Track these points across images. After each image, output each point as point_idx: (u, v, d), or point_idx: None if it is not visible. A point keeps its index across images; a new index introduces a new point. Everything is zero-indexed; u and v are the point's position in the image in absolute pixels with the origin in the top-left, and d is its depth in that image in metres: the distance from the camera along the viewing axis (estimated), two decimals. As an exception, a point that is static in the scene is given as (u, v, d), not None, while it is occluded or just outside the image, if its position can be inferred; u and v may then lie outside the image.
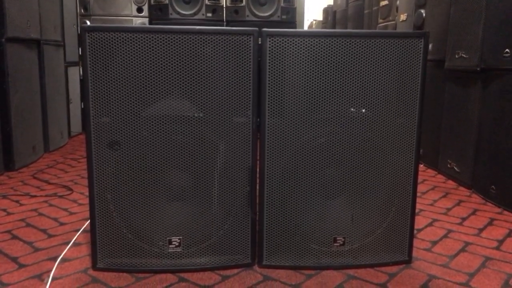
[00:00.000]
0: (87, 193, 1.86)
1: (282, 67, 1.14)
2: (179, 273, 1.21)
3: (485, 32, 1.86)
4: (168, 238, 1.20)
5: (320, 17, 6.21)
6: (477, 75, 1.96)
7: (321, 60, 1.14)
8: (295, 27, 3.48)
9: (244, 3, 3.34)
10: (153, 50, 1.10)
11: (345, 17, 4.73)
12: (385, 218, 1.25)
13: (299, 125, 1.17)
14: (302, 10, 4.07)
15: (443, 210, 1.76)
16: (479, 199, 1.91)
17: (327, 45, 1.13)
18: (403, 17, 2.94)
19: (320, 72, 1.15)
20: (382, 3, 3.49)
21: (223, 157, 1.17)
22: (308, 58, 1.14)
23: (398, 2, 3.10)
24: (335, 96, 1.16)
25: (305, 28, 6.46)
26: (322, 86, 1.15)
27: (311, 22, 6.75)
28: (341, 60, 1.15)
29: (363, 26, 4.18)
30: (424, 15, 2.54)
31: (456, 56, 2.08)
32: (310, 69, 1.14)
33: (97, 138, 1.14)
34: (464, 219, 1.67)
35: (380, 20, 3.56)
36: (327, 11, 5.62)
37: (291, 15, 3.43)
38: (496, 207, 1.80)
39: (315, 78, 1.15)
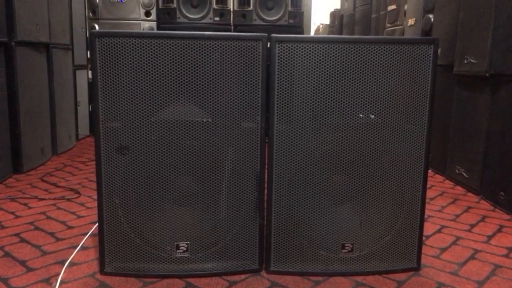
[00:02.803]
0: (94, 197, 1.88)
1: (291, 73, 1.14)
2: (187, 278, 1.20)
3: (494, 37, 1.85)
4: (175, 243, 1.20)
5: (327, 21, 6.21)
6: (486, 81, 1.95)
7: (330, 66, 1.14)
8: (302, 31, 3.48)
9: (251, 7, 3.35)
10: (162, 55, 1.10)
11: (352, 21, 4.72)
12: (394, 224, 1.24)
13: (308, 130, 1.17)
14: (309, 14, 4.07)
15: (451, 217, 1.75)
16: (488, 205, 1.90)
17: (336, 51, 1.13)
18: (411, 21, 2.93)
19: (329, 78, 1.15)
20: (390, 8, 3.48)
21: (231, 162, 1.17)
22: (317, 64, 1.14)
23: (406, 7, 3.09)
24: (344, 102, 1.16)
25: (312, 32, 6.46)
26: (331, 92, 1.15)
27: (318, 26, 6.75)
28: (350, 66, 1.14)
29: (370, 30, 4.18)
30: (432, 20, 2.53)
31: (465, 61, 2.07)
32: (319, 75, 1.14)
33: (106, 142, 1.14)
34: (473, 226, 1.66)
35: (388, 25, 3.55)
36: (334, 15, 5.62)
37: (298, 19, 3.43)
38: (505, 214, 1.78)
39: (324, 84, 1.15)
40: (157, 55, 1.11)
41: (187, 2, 3.31)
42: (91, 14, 3.30)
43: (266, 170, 1.19)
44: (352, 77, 1.15)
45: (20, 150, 2.23)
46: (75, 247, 1.39)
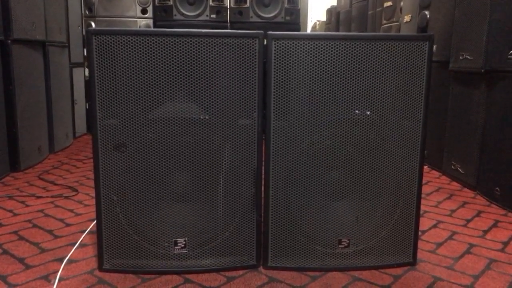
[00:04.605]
0: (92, 194, 1.88)
1: (287, 70, 1.15)
2: (185, 274, 1.21)
3: (490, 34, 1.86)
4: (173, 239, 1.21)
5: (323, 18, 6.21)
6: (482, 77, 1.96)
7: (326, 63, 1.15)
8: (299, 28, 3.49)
9: (248, 4, 3.35)
10: (159, 53, 1.11)
11: (348, 18, 4.73)
12: (390, 220, 1.25)
13: (304, 127, 1.17)
14: (305, 11, 4.07)
15: (447, 212, 1.76)
16: (484, 200, 1.91)
17: (332, 48, 1.14)
18: (407, 18, 2.94)
19: (325, 75, 1.15)
20: (386, 4, 3.49)
21: (228, 159, 1.18)
22: (313, 61, 1.14)
23: (402, 3, 3.10)
24: (340, 98, 1.17)
25: (309, 28, 6.46)
26: (327, 88, 1.16)
27: (315, 23, 6.75)
28: (346, 63, 1.15)
29: (367, 27, 4.18)
30: (428, 16, 2.54)
31: (461, 58, 2.08)
32: (315, 72, 1.15)
33: (103, 140, 1.15)
34: (468, 221, 1.67)
35: (384, 21, 3.56)
36: (330, 11, 5.62)
37: (295, 16, 3.44)
38: (500, 209, 1.80)
39: (320, 81, 1.15)
40: (154, 52, 1.11)
41: (183, -1, 3.31)
42: (87, 12, 3.29)
43: (263, 167, 1.20)
44: (348, 73, 1.16)
45: (17, 148, 2.23)
46: (74, 244, 1.40)
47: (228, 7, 3.42)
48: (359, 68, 1.16)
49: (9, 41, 2.14)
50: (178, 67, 1.12)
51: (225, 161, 1.18)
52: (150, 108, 1.14)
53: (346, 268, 1.25)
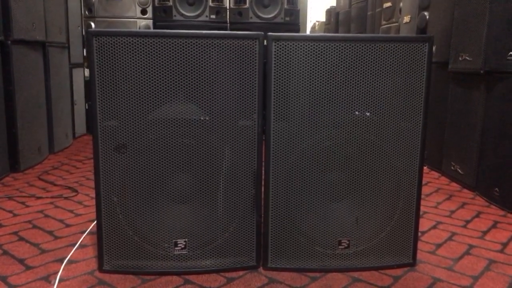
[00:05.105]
0: (92, 195, 1.88)
1: (287, 71, 1.15)
2: (185, 275, 1.21)
3: (489, 35, 1.86)
4: (173, 240, 1.21)
5: (323, 18, 6.21)
6: (481, 78, 1.96)
7: (326, 64, 1.15)
8: (298, 29, 3.49)
9: (247, 5, 3.36)
10: (159, 54, 1.11)
11: (348, 19, 4.73)
12: (390, 221, 1.25)
13: (304, 128, 1.18)
14: (305, 12, 4.08)
15: (447, 213, 1.76)
16: (483, 201, 1.91)
17: (332, 49, 1.14)
18: (406, 19, 2.95)
19: (325, 76, 1.15)
20: (386, 5, 3.49)
21: (228, 160, 1.18)
22: (313, 62, 1.15)
23: (401, 4, 3.11)
24: (340, 99, 1.17)
25: (308, 29, 6.47)
26: (327, 89, 1.16)
27: (314, 23, 6.75)
28: (346, 64, 1.15)
29: (366, 27, 4.19)
30: (427, 17, 2.54)
31: (460, 59, 2.09)
32: (315, 73, 1.15)
33: (104, 141, 1.15)
34: (468, 221, 1.67)
35: (383, 22, 3.56)
36: (330, 12, 5.62)
37: (294, 16, 3.44)
38: (500, 210, 1.80)
39: (320, 82, 1.16)
40: (154, 54, 1.11)
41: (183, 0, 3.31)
42: (87, 12, 3.29)
43: (263, 168, 1.20)
44: (348, 74, 1.16)
45: (17, 148, 2.22)
46: (74, 245, 1.40)
47: (228, 7, 3.42)
48: (359, 69, 1.16)
49: (9, 42, 2.14)
50: (178, 68, 1.12)
51: (225, 162, 1.18)
52: (151, 109, 1.14)
53: (346, 269, 1.25)
